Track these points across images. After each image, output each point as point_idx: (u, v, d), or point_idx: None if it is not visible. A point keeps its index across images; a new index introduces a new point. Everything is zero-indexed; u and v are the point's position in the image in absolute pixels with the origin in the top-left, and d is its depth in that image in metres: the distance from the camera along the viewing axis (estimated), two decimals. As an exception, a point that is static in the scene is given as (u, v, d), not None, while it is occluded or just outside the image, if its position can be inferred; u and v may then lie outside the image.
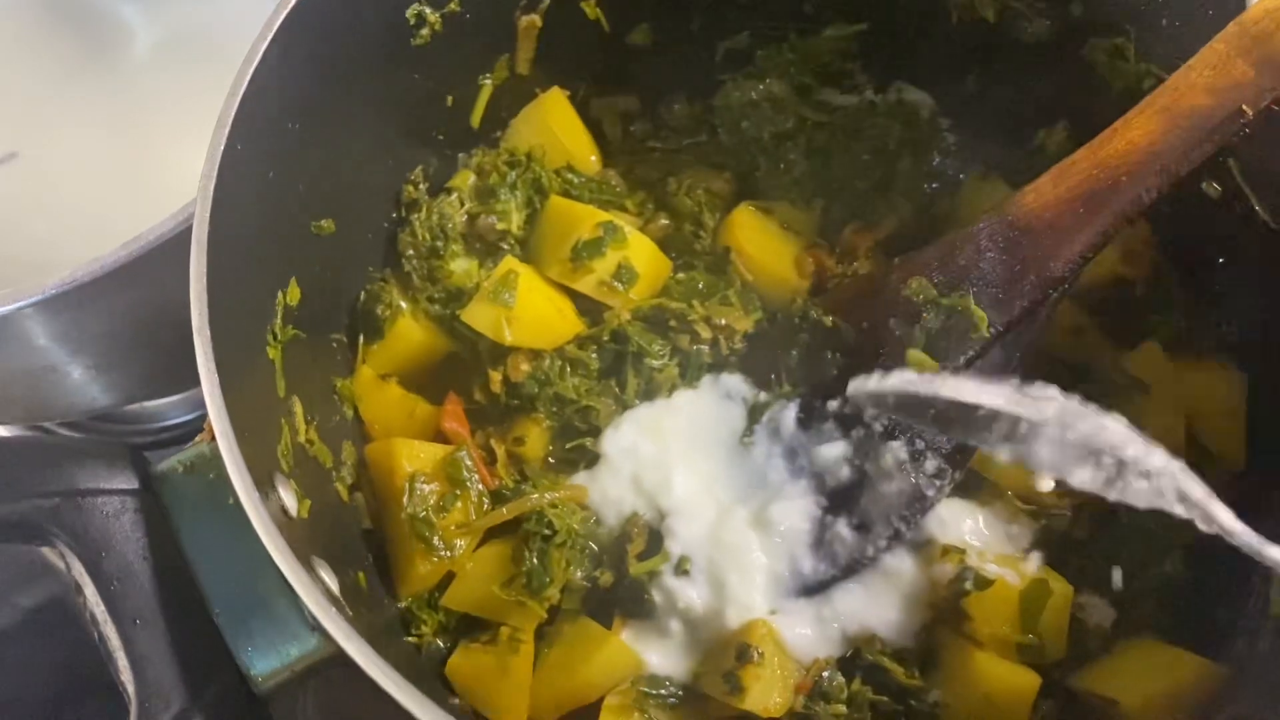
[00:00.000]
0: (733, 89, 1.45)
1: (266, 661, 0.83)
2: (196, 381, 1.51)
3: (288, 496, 0.89)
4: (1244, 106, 0.98)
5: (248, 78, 0.95)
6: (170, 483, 0.88)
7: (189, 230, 1.13)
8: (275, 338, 1.04)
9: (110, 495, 0.84)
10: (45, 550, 1.65)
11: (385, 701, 0.91)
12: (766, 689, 1.09)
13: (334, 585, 0.85)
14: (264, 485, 0.81)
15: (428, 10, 1.20)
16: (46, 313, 1.16)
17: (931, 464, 1.11)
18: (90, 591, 0.82)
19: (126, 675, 0.80)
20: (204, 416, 1.64)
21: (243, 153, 0.95)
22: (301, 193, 1.10)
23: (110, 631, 0.81)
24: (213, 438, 0.83)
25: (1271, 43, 0.97)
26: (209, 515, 0.87)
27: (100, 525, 0.83)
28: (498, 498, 1.19)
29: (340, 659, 0.85)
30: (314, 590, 0.74)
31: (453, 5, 1.22)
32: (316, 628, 0.84)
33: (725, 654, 1.12)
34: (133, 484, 0.86)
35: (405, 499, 1.15)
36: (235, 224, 0.94)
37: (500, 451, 1.23)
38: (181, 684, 0.80)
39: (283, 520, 0.81)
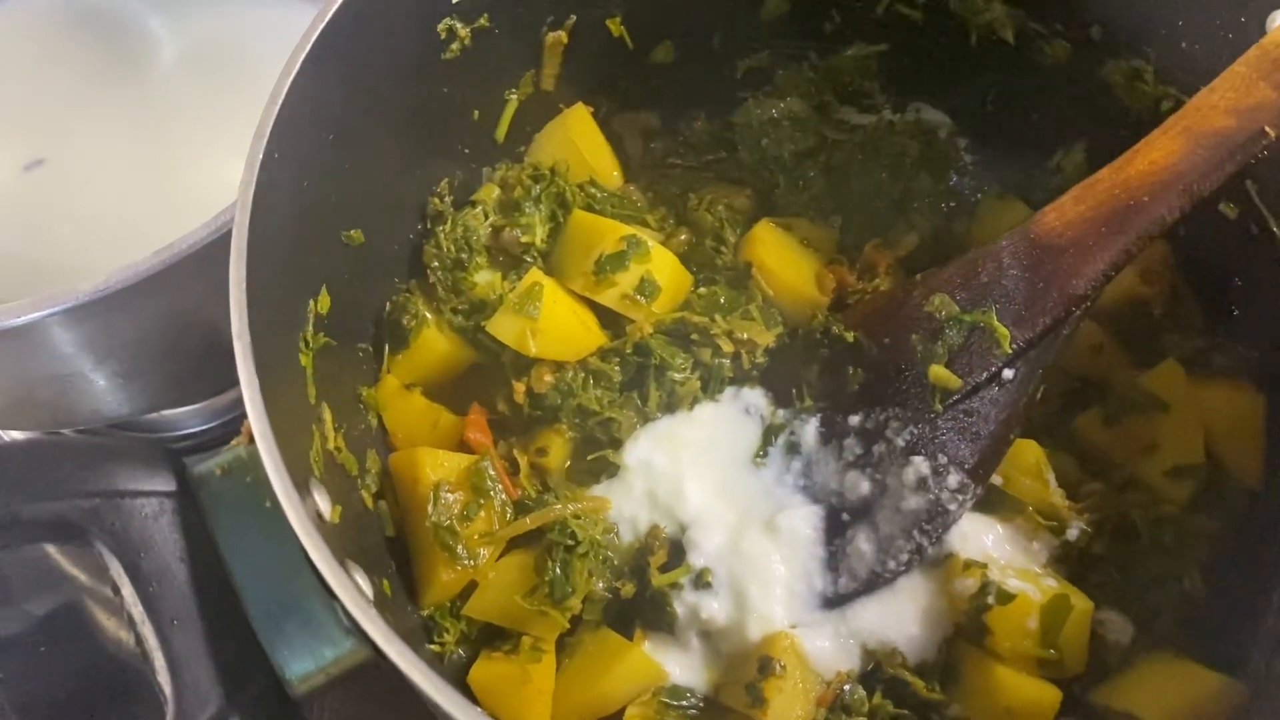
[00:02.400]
0: (753, 107, 1.47)
1: (301, 664, 0.84)
2: (220, 389, 1.55)
3: (322, 501, 0.90)
4: (1266, 128, 0.99)
5: (285, 88, 0.96)
6: (208, 485, 0.89)
7: (221, 238, 1.16)
8: (307, 345, 1.05)
9: (149, 497, 0.85)
10: (58, 555, 1.66)
11: (410, 708, 0.92)
12: (788, 702, 1.09)
13: (368, 589, 0.86)
14: (301, 487, 0.82)
15: (459, 25, 1.21)
16: (76, 319, 1.17)
17: (954, 479, 1.12)
18: (128, 591, 0.83)
19: (164, 676, 0.81)
20: (224, 424, 1.66)
21: (279, 162, 0.96)
22: (333, 202, 1.11)
23: (148, 632, 0.82)
24: (250, 441, 0.84)
25: (1295, 67, 0.98)
26: (245, 518, 0.88)
27: (139, 526, 0.84)
28: (520, 508, 1.19)
29: (373, 663, 0.87)
30: (353, 592, 0.75)
31: (482, 21, 1.23)
32: (351, 631, 0.84)
33: (747, 666, 1.13)
34: (171, 486, 0.87)
35: (430, 507, 1.15)
36: (271, 232, 0.95)
37: (523, 462, 1.24)
38: (218, 685, 0.81)
39: (319, 523, 0.82)
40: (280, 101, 0.95)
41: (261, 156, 0.93)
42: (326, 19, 1.01)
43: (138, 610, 0.82)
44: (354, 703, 0.88)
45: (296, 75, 0.97)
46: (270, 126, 0.94)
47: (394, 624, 0.80)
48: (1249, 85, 1.00)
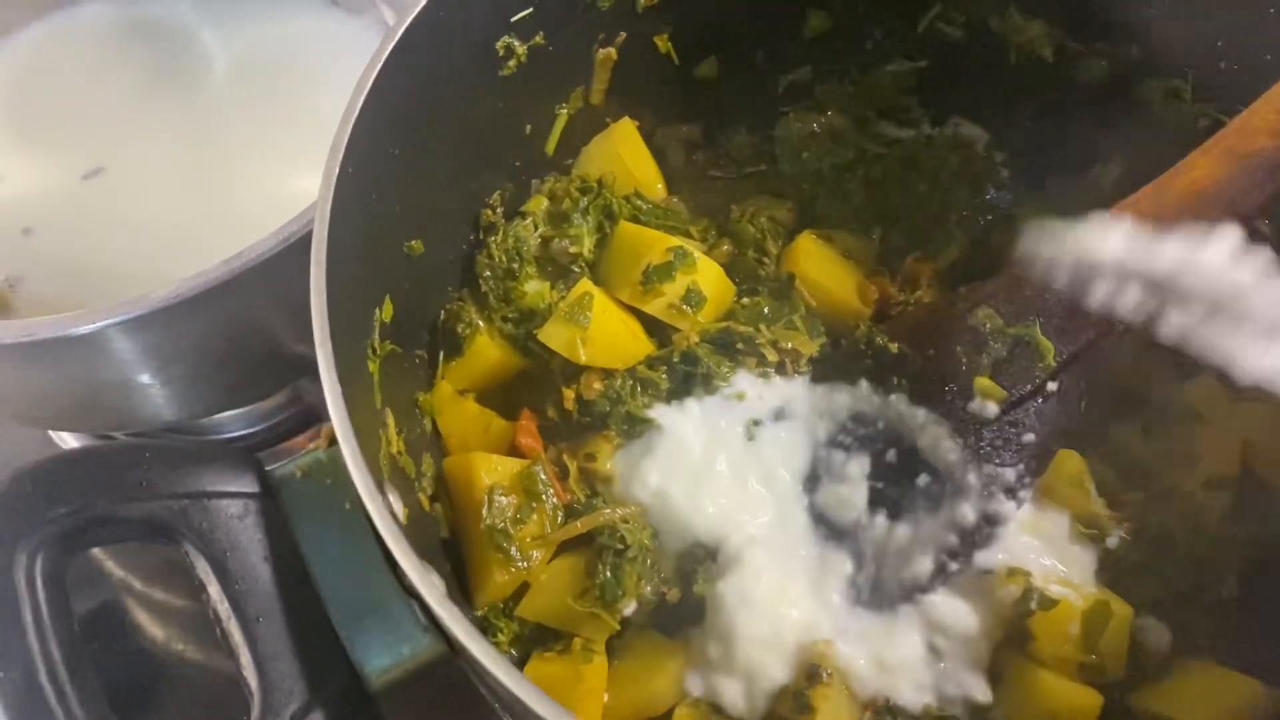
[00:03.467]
0: (794, 121, 1.50)
1: (380, 660, 0.87)
2: (269, 393, 1.58)
3: (395, 502, 0.93)
4: (1308, 150, 1.02)
5: (359, 105, 1.00)
6: (289, 487, 0.93)
7: (286, 249, 1.20)
8: (374, 352, 1.08)
9: (234, 498, 0.88)
10: (103, 556, 1.69)
11: (477, 708, 0.96)
12: (835, 709, 1.12)
13: (442, 588, 0.89)
14: (380, 488, 0.85)
15: (516, 42, 1.25)
16: (142, 327, 1.20)
17: (999, 488, 1.15)
18: (215, 590, 0.86)
19: (249, 671, 0.84)
20: (267, 429, 1.69)
21: (352, 176, 1.00)
22: (397, 214, 1.15)
23: (233, 628, 0.85)
24: (328, 444, 0.88)
25: (1338, 88, 1.01)
26: (325, 519, 0.91)
27: (225, 526, 0.87)
28: (571, 512, 1.22)
29: (446, 660, 0.90)
30: (435, 589, 0.78)
31: (538, 39, 1.27)
32: (428, 628, 0.88)
33: (795, 672, 1.15)
34: (254, 488, 0.91)
35: (484, 510, 1.18)
36: (343, 244, 0.98)
37: (573, 467, 1.26)
38: (302, 680, 0.84)
39: (396, 523, 0.85)
40: (354, 118, 0.99)
41: (338, 172, 0.96)
42: (396, 38, 1.04)
43: (224, 608, 0.86)
44: (426, 706, 0.91)
45: (369, 93, 1.01)
46: (345, 142, 0.97)
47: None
48: (1292, 107, 1.03)
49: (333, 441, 0.88)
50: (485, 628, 1.19)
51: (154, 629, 1.64)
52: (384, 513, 0.81)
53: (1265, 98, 1.06)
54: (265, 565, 0.87)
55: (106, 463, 0.88)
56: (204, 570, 0.87)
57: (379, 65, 1.02)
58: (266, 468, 0.94)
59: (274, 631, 0.85)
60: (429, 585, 0.78)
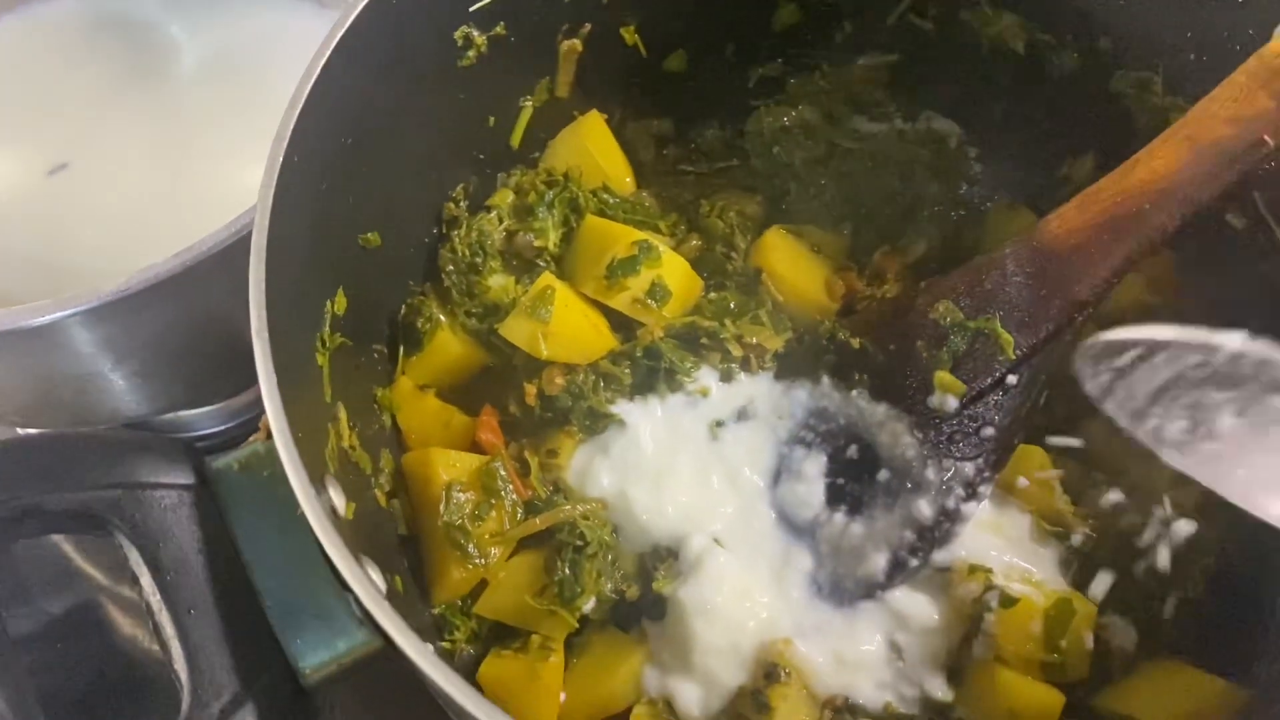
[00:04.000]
0: (765, 115, 1.48)
1: (315, 655, 0.86)
2: (236, 390, 1.57)
3: (337, 497, 0.92)
4: (1266, 137, 1.01)
5: (306, 92, 0.99)
6: (225, 479, 0.91)
7: (240, 240, 1.18)
8: (324, 344, 1.07)
9: (168, 489, 0.87)
10: (74, 554, 1.67)
11: (418, 703, 0.94)
12: (794, 709, 1.11)
13: (381, 584, 0.88)
14: (317, 483, 0.84)
15: (475, 32, 1.23)
16: (97, 319, 1.19)
17: (959, 483, 1.14)
18: (147, 581, 0.85)
19: (180, 663, 0.83)
20: (240, 424, 1.68)
21: (299, 165, 0.98)
22: (351, 206, 1.13)
23: (165, 620, 0.84)
24: (267, 437, 0.86)
25: (1294, 77, 1.00)
26: (262, 512, 0.90)
27: (158, 517, 0.86)
28: (531, 508, 1.21)
29: (384, 654, 0.89)
30: (365, 584, 0.77)
31: (499, 29, 1.25)
32: (363, 622, 0.86)
33: (753, 672, 1.14)
34: (190, 479, 0.90)
35: (441, 507, 1.17)
36: (290, 233, 0.97)
37: (534, 463, 1.25)
38: (233, 673, 0.83)
39: (334, 518, 0.84)
40: (300, 106, 0.98)
41: (281, 159, 0.95)
42: (346, 25, 1.03)
43: (155, 599, 0.84)
44: (363, 698, 0.90)
45: (316, 80, 0.99)
46: (290, 130, 0.96)
47: (406, 619, 0.82)
48: (1248, 95, 1.02)
49: (271, 434, 0.86)
50: (442, 625, 1.19)
51: (126, 627, 1.62)
52: (317, 507, 0.80)
53: (1223, 85, 1.05)
54: (199, 557, 0.86)
55: (35, 453, 0.87)
56: (136, 562, 0.86)
57: (327, 53, 1.01)
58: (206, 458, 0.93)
59: (206, 624, 0.84)
60: (357, 578, 0.77)
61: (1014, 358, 1.12)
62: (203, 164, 1.57)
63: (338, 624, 0.87)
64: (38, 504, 0.84)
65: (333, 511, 0.88)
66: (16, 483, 0.84)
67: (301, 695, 0.86)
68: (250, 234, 1.16)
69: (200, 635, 0.83)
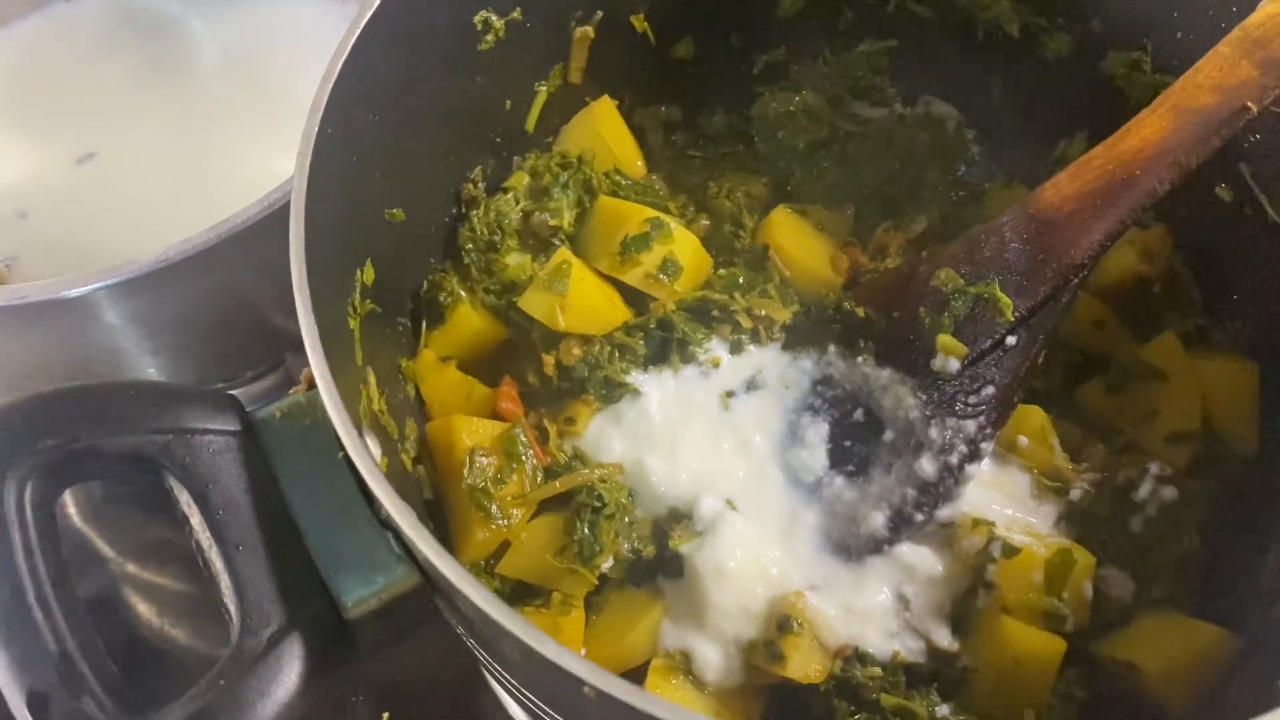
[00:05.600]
0: (769, 100, 1.53)
1: (356, 590, 0.90)
2: (261, 368, 1.61)
3: (374, 447, 0.97)
4: (1249, 103, 1.06)
5: (338, 68, 1.04)
6: (269, 427, 0.96)
7: (268, 217, 1.24)
8: (354, 310, 1.12)
9: (215, 435, 0.92)
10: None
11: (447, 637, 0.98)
12: (806, 658, 1.15)
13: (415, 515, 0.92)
14: (358, 427, 0.88)
15: (493, 16, 1.28)
16: (130, 293, 1.25)
17: (962, 441, 1.18)
18: (196, 520, 0.90)
19: (229, 596, 0.88)
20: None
21: (331, 137, 1.03)
22: (378, 180, 1.18)
23: (215, 556, 0.88)
24: (308, 388, 0.91)
25: (1273, 45, 1.05)
26: (304, 457, 0.95)
27: (207, 460, 0.91)
28: (550, 473, 1.25)
29: (421, 590, 0.93)
30: (408, 514, 0.82)
31: (515, 14, 1.31)
32: (402, 558, 0.91)
33: (767, 625, 1.18)
34: (235, 426, 0.94)
35: (465, 470, 1.21)
36: (323, 202, 1.01)
37: (552, 431, 1.30)
38: (280, 605, 0.87)
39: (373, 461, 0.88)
40: (333, 81, 1.03)
41: (317, 129, 1.00)
42: (374, 7, 1.08)
43: (205, 536, 0.89)
44: (398, 631, 0.95)
45: (347, 57, 1.05)
46: (325, 103, 1.01)
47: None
48: (1232, 64, 1.07)
49: (312, 385, 0.91)
50: (467, 584, 1.22)
51: (150, 614, 1.67)
52: (360, 448, 0.84)
53: (1208, 56, 1.10)
54: (245, 498, 0.91)
55: (92, 399, 0.92)
56: (186, 502, 0.90)
57: (357, 32, 1.06)
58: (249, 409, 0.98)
59: (253, 559, 0.88)
60: (399, 509, 0.81)
61: (1013, 319, 1.17)
62: (224, 152, 1.64)
63: (377, 561, 0.91)
64: (95, 445, 0.89)
65: (370, 455, 0.92)
66: (75, 425, 0.89)
67: (343, 626, 0.90)
68: (277, 210, 1.22)
69: (248, 570, 0.88)
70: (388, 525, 0.89)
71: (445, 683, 1.49)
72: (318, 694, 0.89)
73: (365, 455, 0.84)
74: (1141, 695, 1.13)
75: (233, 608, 0.87)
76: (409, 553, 0.88)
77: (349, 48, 1.05)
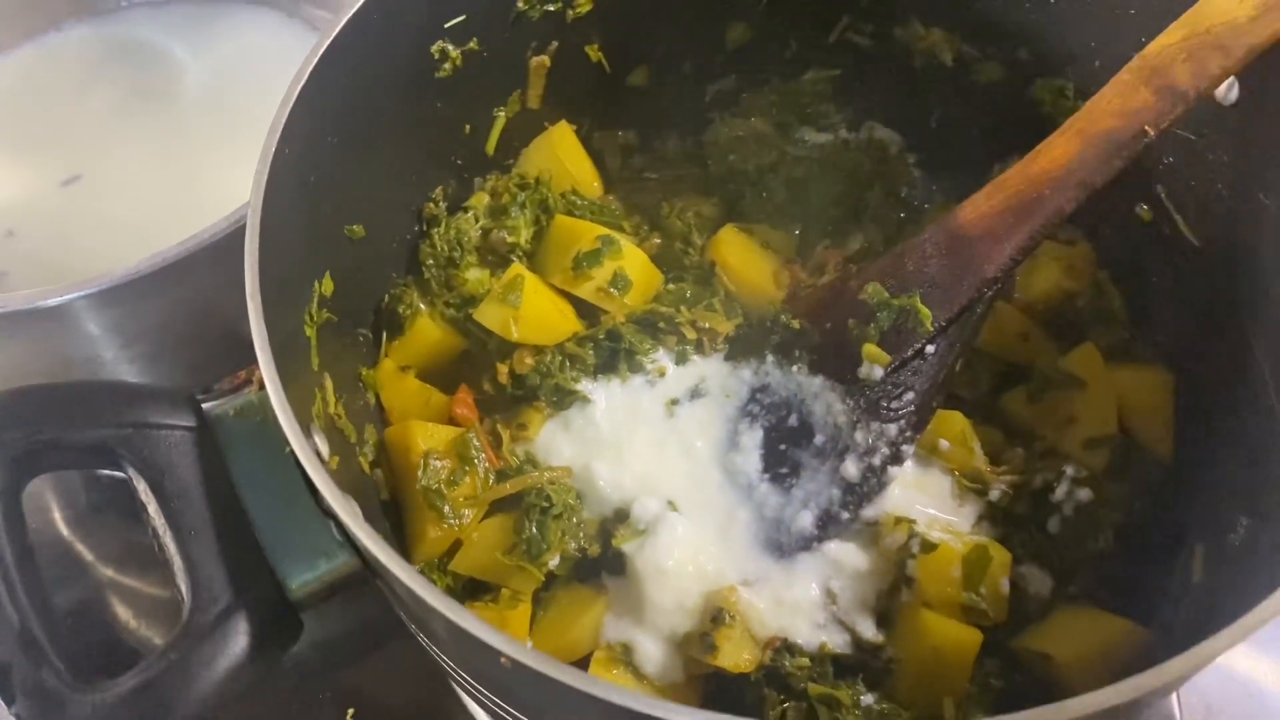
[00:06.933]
0: (721, 126, 1.61)
1: (300, 574, 0.98)
2: (233, 372, 1.68)
3: (321, 444, 1.04)
4: (1146, 127, 1.13)
5: (296, 92, 1.11)
6: (223, 423, 1.03)
7: (237, 230, 1.31)
8: (311, 318, 1.19)
9: (173, 430, 0.99)
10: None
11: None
12: (737, 648, 1.21)
13: (355, 508, 0.98)
14: (304, 426, 0.95)
15: (450, 47, 1.36)
16: (106, 303, 1.32)
17: (884, 443, 1.25)
18: (153, 508, 0.97)
19: (181, 577, 0.95)
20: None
21: (289, 156, 1.10)
22: (337, 199, 1.25)
23: (169, 540, 0.95)
24: (259, 388, 0.98)
25: (1169, 73, 1.13)
26: (255, 452, 1.02)
27: (164, 453, 0.98)
28: (502, 476, 1.32)
29: (360, 574, 1.00)
30: (350, 506, 0.89)
31: (472, 44, 1.38)
32: (343, 544, 0.98)
33: (702, 618, 1.25)
34: (192, 422, 1.01)
35: (420, 472, 1.28)
36: (282, 216, 1.08)
37: (505, 435, 1.36)
38: (229, 586, 0.94)
39: (319, 457, 0.95)
40: (290, 104, 1.10)
41: (274, 149, 1.07)
42: (331, 36, 1.16)
43: (160, 523, 0.96)
44: (339, 610, 1.02)
45: (305, 82, 1.12)
46: (282, 124, 1.09)
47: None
48: (1131, 90, 1.14)
49: (263, 386, 0.98)
50: (421, 581, 1.29)
51: (129, 618, 1.72)
52: (303, 443, 0.91)
53: (1111, 83, 1.18)
54: (199, 487, 0.98)
55: (57, 395, 0.99)
56: (144, 491, 0.97)
57: (315, 58, 1.14)
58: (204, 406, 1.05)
59: (204, 544, 0.95)
60: (337, 499, 0.88)
61: (932, 330, 1.24)
62: (204, 174, 1.71)
63: (320, 546, 0.98)
64: (59, 438, 0.96)
65: (317, 453, 0.99)
66: (40, 419, 0.96)
67: (288, 607, 0.97)
68: (245, 225, 1.29)
69: (199, 554, 0.95)
70: (329, 514, 0.95)
71: (412, 693, 1.55)
72: (263, 665, 0.96)
73: (308, 450, 0.91)
74: (1055, 684, 1.19)
75: (184, 588, 0.94)
76: (349, 539, 0.95)
77: (307, 73, 1.13)
